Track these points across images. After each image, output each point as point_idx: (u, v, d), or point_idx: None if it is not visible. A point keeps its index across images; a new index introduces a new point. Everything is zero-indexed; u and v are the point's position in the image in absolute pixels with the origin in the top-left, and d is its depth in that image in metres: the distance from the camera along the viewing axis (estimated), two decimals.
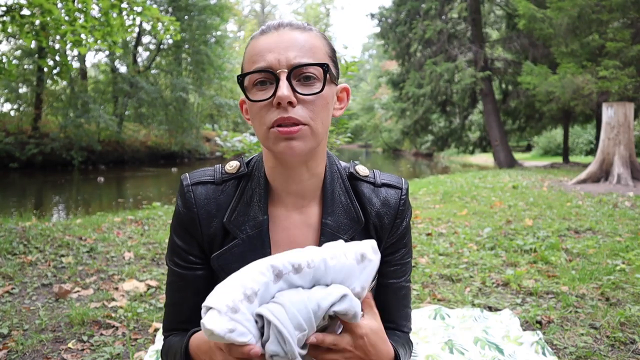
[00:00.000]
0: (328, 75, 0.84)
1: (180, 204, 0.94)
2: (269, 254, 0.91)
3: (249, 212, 0.92)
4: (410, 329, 1.06)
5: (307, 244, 0.93)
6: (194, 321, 0.94)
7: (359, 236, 0.94)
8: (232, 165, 0.97)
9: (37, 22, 5.18)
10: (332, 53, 0.90)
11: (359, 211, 0.95)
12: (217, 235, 0.93)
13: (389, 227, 0.97)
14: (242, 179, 0.95)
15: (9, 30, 5.37)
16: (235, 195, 0.93)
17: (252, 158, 0.99)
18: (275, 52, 0.82)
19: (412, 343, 1.05)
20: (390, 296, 1.01)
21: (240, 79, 0.85)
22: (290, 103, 0.81)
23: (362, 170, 1.00)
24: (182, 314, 0.98)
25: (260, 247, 0.91)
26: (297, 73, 0.82)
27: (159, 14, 5.62)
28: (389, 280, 1.00)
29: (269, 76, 0.82)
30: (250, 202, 0.92)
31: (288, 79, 0.81)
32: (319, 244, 0.91)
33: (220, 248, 0.93)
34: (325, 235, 0.92)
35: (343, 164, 1.01)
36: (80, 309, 2.35)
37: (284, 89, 0.80)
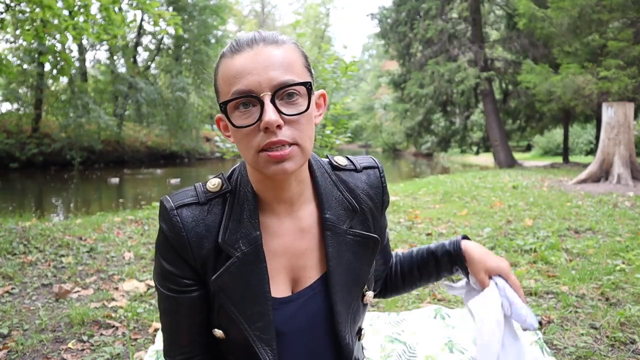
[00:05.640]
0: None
1: (166, 228, 0.90)
2: (265, 267, 0.91)
3: (240, 229, 0.90)
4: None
5: (301, 248, 0.95)
6: (192, 344, 0.96)
7: (356, 223, 0.98)
8: (214, 184, 0.94)
9: (37, 18, 5.18)
10: (307, 61, 0.89)
11: (352, 200, 0.98)
12: (210, 256, 0.91)
13: (380, 205, 1.05)
14: (228, 196, 0.94)
15: (8, 27, 5.37)
16: (225, 214, 0.91)
17: (233, 172, 0.97)
18: (254, 73, 0.80)
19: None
20: (386, 246, 1.19)
21: (223, 107, 0.83)
22: (278, 126, 0.80)
23: (341, 160, 1.04)
24: (181, 338, 0.97)
25: (256, 261, 0.91)
26: (280, 93, 0.81)
27: (160, 10, 5.62)
28: (384, 242, 1.14)
29: (252, 99, 0.81)
30: (240, 219, 0.91)
31: (272, 101, 0.80)
32: (323, 238, 0.94)
33: (214, 268, 0.91)
34: (328, 229, 0.94)
35: (323, 159, 1.03)
36: (80, 309, 2.35)
37: (270, 114, 0.78)
